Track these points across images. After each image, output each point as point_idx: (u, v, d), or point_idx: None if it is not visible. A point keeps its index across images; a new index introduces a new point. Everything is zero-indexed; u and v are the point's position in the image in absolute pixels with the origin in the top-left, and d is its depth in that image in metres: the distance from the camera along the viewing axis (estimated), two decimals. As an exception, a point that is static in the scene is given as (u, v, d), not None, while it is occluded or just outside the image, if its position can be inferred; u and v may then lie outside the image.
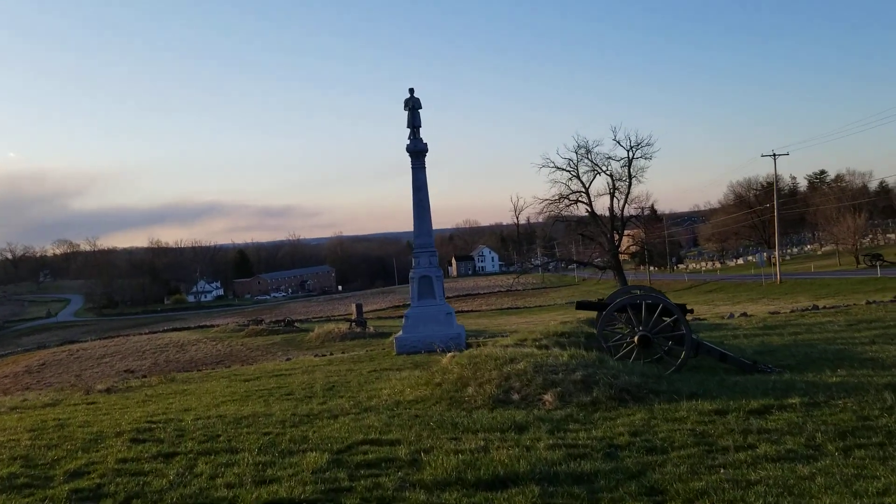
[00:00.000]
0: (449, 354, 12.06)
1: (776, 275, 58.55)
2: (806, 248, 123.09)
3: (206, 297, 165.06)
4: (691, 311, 12.47)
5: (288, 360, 24.49)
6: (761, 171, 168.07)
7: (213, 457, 7.20)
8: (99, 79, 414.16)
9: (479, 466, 5.99)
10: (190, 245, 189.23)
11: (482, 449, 6.66)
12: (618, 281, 75.71)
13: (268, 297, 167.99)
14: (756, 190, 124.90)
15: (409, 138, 22.08)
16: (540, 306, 74.74)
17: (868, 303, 26.55)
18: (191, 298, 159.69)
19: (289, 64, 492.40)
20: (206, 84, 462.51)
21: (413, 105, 22.02)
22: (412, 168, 22.19)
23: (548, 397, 8.90)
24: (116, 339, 52.34)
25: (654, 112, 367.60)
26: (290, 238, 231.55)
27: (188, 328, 62.02)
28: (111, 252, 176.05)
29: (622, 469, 5.78)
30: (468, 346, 21.05)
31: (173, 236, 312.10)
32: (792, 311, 26.69)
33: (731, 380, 9.60)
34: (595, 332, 15.07)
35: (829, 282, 52.81)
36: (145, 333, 59.21)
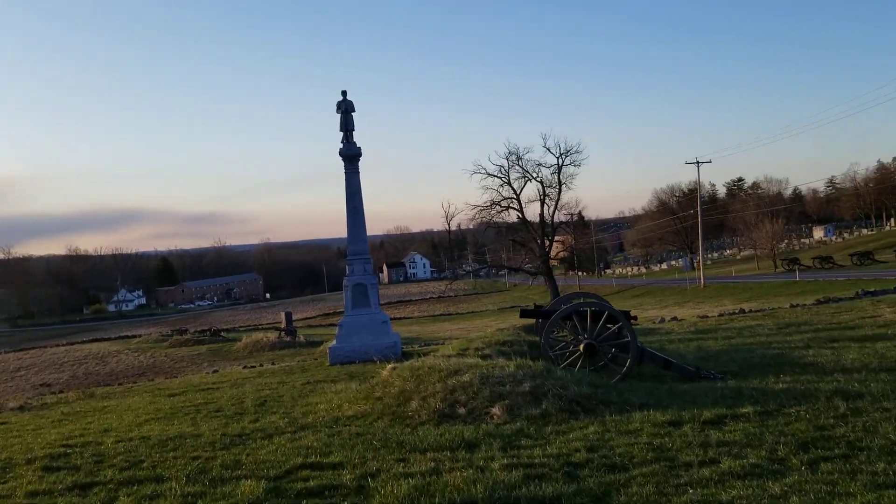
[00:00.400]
0: (389, 366, 11.58)
1: (700, 279, 60.00)
2: (725, 253, 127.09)
3: (127, 306, 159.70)
4: (635, 318, 12.33)
5: (215, 371, 23.54)
6: (684, 178, 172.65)
7: (135, 487, 6.55)
8: (10, 84, 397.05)
9: (433, 492, 5.54)
10: (110, 252, 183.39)
11: (433, 471, 6.21)
12: (548, 287, 76.44)
13: (192, 305, 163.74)
14: (678, 196, 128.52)
15: (342, 142, 21.53)
16: (472, 312, 74.92)
17: (792, 306, 27.19)
18: (111, 308, 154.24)
19: (214, 66, 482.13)
20: (125, 87, 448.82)
21: (346, 108, 21.48)
22: (346, 172, 21.62)
23: (496, 411, 8.53)
24: (32, 352, 49.94)
25: (583, 120, 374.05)
26: (216, 245, 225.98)
27: (109, 339, 59.92)
28: (26, 260, 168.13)
29: (585, 491, 5.42)
30: (404, 354, 20.61)
31: (93, 244, 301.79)
32: (720, 315, 27.15)
33: (680, 388, 9.43)
34: (537, 339, 14.84)
35: (751, 286, 54.41)
36: (63, 345, 56.75)
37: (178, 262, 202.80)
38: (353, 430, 8.58)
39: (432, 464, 6.47)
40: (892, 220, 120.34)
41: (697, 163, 59.09)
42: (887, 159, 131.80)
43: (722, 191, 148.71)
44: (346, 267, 21.65)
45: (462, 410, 8.79)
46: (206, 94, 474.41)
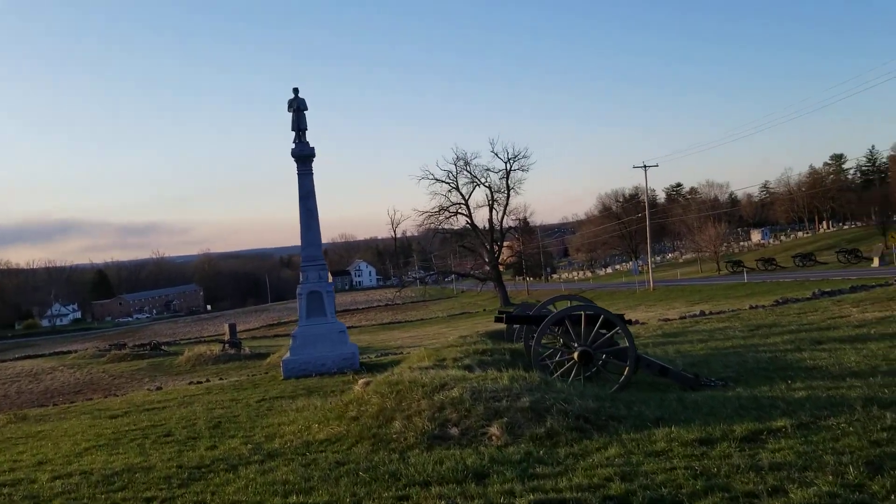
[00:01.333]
0: (361, 381, 10.46)
1: (650, 282, 60.10)
2: (668, 257, 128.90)
3: (61, 321, 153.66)
4: (631, 323, 11.47)
5: (158, 388, 21.96)
6: (627, 183, 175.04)
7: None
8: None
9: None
10: (43, 266, 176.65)
11: (446, 513, 5.16)
12: (498, 292, 75.91)
13: (130, 318, 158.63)
14: (622, 201, 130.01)
15: (295, 142, 20.27)
16: (422, 320, 73.72)
17: (752, 307, 26.92)
18: (45, 323, 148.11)
19: (152, 72, 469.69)
20: (58, 96, 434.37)
21: (298, 106, 20.24)
22: (298, 174, 20.36)
23: (494, 430, 7.50)
24: (-44, 371, 46.88)
25: (528, 125, 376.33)
26: (155, 256, 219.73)
27: (42, 355, 57.22)
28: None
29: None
30: (361, 365, 19.43)
31: (25, 257, 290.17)
32: (682, 318, 26.66)
33: (690, 398, 8.56)
34: (516, 347, 13.88)
35: (700, 287, 54.62)
36: (-9, 363, 53.75)
37: (115, 274, 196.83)
38: (330, 458, 7.45)
39: (441, 502, 5.40)
40: (826, 222, 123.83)
41: (644, 167, 59.28)
42: (819, 164, 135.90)
43: (662, 196, 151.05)
44: (300, 274, 20.36)
45: (454, 431, 7.75)
46: (143, 102, 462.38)
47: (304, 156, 20.19)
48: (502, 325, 17.75)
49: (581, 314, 10.38)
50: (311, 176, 20.38)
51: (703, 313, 27.59)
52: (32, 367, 44.70)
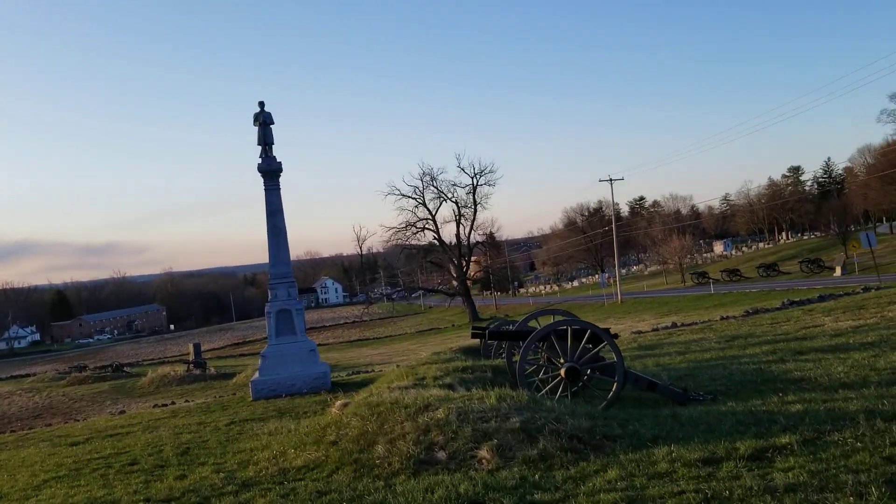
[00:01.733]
0: (339, 402, 10.00)
1: (618, 295, 60.21)
2: (633, 269, 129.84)
3: (19, 343, 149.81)
4: (616, 337, 11.20)
5: (121, 413, 21.16)
6: (591, 197, 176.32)
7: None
8: None
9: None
10: (0, 287, 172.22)
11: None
12: (466, 307, 75.58)
13: (91, 339, 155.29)
14: (586, 215, 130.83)
15: (261, 157, 19.78)
16: (390, 336, 73.11)
17: (723, 318, 26.91)
18: (2, 346, 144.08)
19: (107, 87, 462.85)
20: (11, 111, 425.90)
21: (264, 120, 19.77)
22: (265, 190, 19.84)
23: (484, 453, 7.10)
24: None
25: (492, 140, 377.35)
26: (115, 276, 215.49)
27: None
28: None
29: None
30: (333, 384, 18.91)
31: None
32: (654, 330, 26.54)
33: (684, 414, 8.24)
34: (498, 364, 13.50)
35: (668, 299, 54.89)
36: (-56, 388, 51.84)
37: (75, 295, 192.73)
38: (310, 487, 6.98)
39: (437, 537, 4.99)
40: (785, 233, 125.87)
41: (610, 180, 59.54)
42: (777, 176, 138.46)
43: (626, 209, 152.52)
44: (269, 292, 19.80)
45: (441, 454, 7.33)
46: (99, 117, 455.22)
47: (271, 171, 19.70)
48: (475, 341, 17.38)
49: (567, 329, 10.06)
50: (279, 191, 19.89)
51: (675, 325, 27.52)
52: (-12, 391, 43.34)
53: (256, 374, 19.08)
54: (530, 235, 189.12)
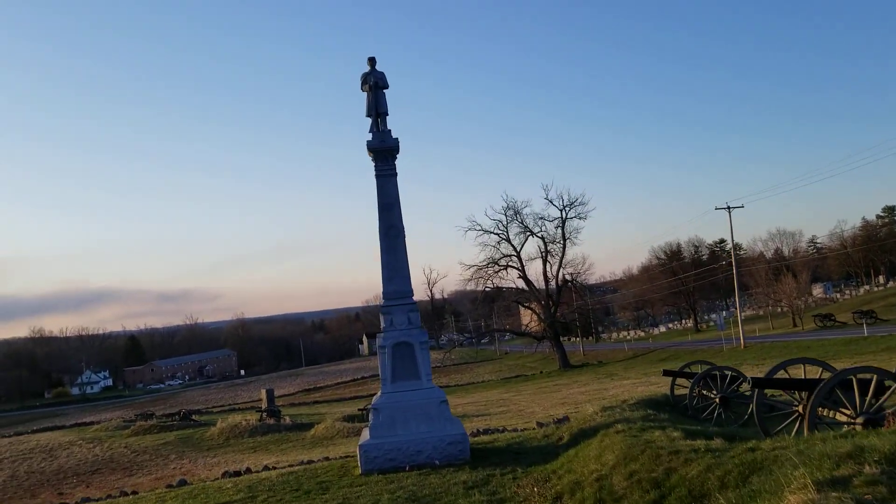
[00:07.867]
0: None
1: (740, 339, 52.82)
2: (725, 313, 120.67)
3: (92, 388, 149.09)
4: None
5: (182, 483, 15.71)
6: (673, 236, 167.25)
7: None
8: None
9: None
10: (76, 333, 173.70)
11: None
12: (555, 352, 68.89)
13: (162, 385, 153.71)
14: (667, 255, 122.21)
15: (372, 130, 14.40)
16: (472, 383, 67.15)
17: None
18: (75, 391, 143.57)
19: (175, 142, 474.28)
20: (93, 166, 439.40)
21: (375, 81, 14.51)
22: (377, 176, 14.44)
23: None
24: (-28, 446, 41.85)
25: (578, 174, 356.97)
26: (188, 322, 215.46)
27: (63, 427, 53.25)
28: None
29: None
30: (473, 452, 13.18)
31: (59, 325, 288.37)
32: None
33: None
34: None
35: (809, 343, 47.23)
36: (10, 436, 48.84)
37: (148, 340, 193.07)
38: None
39: None
40: (881, 276, 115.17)
41: (728, 208, 52.49)
42: (871, 217, 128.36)
43: (724, 248, 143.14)
44: (381, 318, 14.15)
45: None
46: (173, 169, 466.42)
47: (384, 149, 14.29)
48: (652, 392, 13.53)
49: (865, 377, 8.33)
50: (395, 179, 14.43)
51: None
52: (49, 441, 39.99)
53: (366, 435, 13.42)
54: (602, 280, 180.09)
